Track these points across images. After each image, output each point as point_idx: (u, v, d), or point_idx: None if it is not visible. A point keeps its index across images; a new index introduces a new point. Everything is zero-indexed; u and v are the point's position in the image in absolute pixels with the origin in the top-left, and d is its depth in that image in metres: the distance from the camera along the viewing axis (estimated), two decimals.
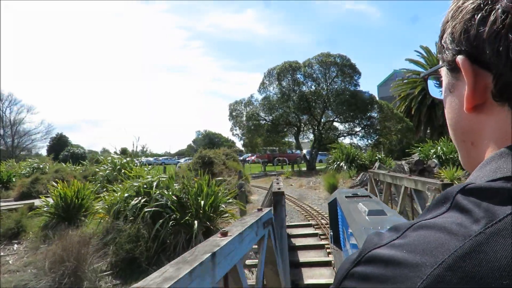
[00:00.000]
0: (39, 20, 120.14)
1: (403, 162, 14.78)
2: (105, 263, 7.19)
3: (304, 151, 28.41)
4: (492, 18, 0.36)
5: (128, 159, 13.57)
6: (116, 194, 8.81)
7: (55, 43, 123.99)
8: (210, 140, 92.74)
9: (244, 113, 28.10)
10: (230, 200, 8.82)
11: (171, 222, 7.49)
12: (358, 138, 27.05)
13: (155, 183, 8.65)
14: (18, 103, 41.16)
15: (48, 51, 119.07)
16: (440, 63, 0.47)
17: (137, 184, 8.74)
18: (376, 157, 16.45)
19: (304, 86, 26.11)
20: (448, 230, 0.30)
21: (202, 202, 7.78)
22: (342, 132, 27.46)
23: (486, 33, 0.36)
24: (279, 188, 5.34)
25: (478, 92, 0.39)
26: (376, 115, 25.33)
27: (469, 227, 0.29)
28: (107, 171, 12.42)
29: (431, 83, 0.54)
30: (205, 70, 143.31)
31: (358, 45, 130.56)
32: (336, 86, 25.46)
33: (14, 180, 18.06)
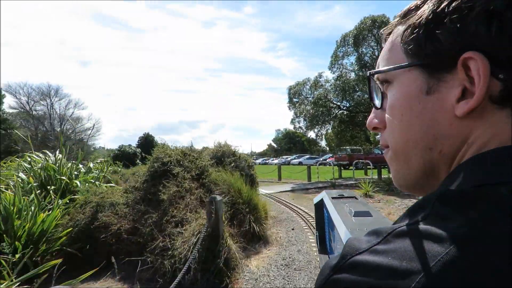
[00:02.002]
0: (142, 33, 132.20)
1: None
2: None
3: None
4: None
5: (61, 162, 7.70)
6: None
7: (156, 58, 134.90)
8: (290, 140, 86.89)
9: (310, 99, 20.63)
10: None
11: None
12: None
13: None
14: (65, 97, 40.72)
15: (151, 62, 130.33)
16: (405, 60, 0.42)
17: None
18: None
19: None
20: (432, 236, 0.30)
21: None
22: None
23: None
24: None
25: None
26: None
27: (453, 233, 0.29)
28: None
29: (374, 84, 0.48)
30: (290, 69, 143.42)
31: None
32: None
33: None
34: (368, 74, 0.48)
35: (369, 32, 17.19)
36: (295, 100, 21.08)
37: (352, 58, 20.08)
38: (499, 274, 0.25)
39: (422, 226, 0.31)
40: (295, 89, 21.03)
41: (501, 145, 0.36)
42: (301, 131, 21.76)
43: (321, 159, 41.08)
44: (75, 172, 7.75)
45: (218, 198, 4.39)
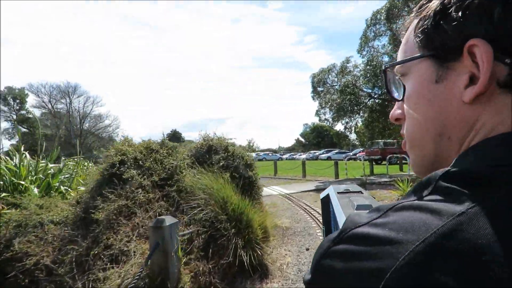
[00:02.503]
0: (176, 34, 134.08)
1: None
2: None
3: None
4: None
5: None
6: None
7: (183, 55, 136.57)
8: (318, 134, 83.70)
9: (337, 87, 18.50)
10: None
11: None
12: None
13: None
14: (83, 94, 40.81)
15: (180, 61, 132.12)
16: (417, 52, 0.43)
17: None
18: None
19: None
20: (431, 210, 0.31)
21: None
22: None
23: None
24: None
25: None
26: None
27: (452, 208, 0.30)
28: None
29: (391, 77, 0.50)
30: (319, 63, 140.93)
31: None
32: None
33: None
34: (383, 68, 0.50)
35: (405, 3, 14.79)
36: (319, 89, 19.02)
37: (384, 40, 17.75)
38: (491, 250, 0.26)
39: (422, 201, 0.33)
40: (319, 77, 18.95)
41: (509, 130, 0.36)
42: (327, 123, 19.68)
43: (351, 153, 38.45)
44: (41, 175, 6.37)
45: (169, 221, 2.71)
